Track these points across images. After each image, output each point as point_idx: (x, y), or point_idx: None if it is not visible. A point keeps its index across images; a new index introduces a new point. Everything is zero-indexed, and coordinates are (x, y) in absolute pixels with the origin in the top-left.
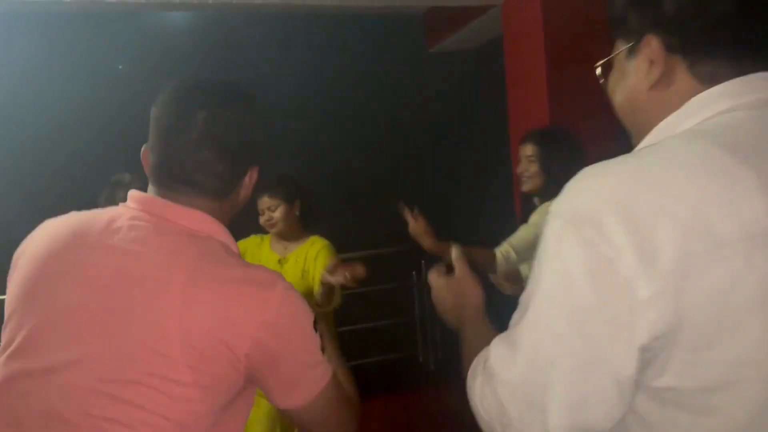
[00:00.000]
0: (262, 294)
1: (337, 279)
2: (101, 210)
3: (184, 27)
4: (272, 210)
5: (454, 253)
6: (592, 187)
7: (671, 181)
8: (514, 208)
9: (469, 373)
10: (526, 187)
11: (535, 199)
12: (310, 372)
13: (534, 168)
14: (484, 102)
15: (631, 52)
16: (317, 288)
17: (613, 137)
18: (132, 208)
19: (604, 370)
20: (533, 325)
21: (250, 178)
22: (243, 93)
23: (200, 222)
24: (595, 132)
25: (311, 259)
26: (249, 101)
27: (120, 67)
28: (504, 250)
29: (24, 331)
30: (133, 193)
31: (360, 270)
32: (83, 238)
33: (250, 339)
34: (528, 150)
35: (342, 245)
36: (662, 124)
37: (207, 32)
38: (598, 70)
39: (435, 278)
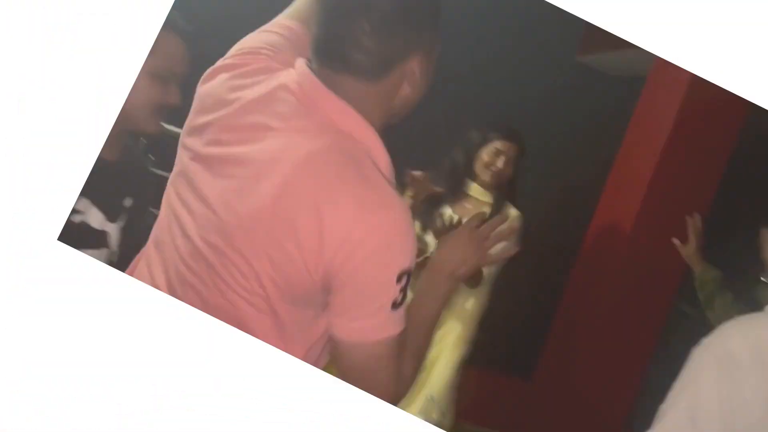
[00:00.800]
0: (381, 213)
1: None
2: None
3: None
4: None
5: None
6: None
7: None
8: None
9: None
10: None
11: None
12: (370, 312)
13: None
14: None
15: None
16: None
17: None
18: (294, 81)
19: None
20: None
21: (411, 70)
22: None
23: (355, 126)
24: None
25: None
26: None
27: None
28: None
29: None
30: (302, 67)
31: None
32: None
33: (340, 239)
34: (501, 146)
35: None
36: None
37: None
38: None
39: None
